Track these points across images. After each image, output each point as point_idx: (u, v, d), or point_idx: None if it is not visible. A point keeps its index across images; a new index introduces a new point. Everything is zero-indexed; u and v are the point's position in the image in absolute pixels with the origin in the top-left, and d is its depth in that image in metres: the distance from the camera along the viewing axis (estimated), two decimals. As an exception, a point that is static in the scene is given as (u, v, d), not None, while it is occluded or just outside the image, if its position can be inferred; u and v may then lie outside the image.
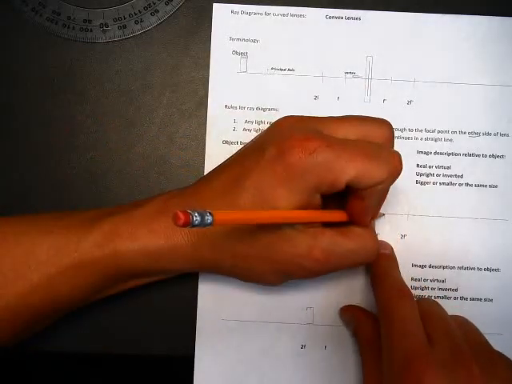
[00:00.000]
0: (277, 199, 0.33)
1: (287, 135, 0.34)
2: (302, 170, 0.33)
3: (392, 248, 0.41)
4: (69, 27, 0.42)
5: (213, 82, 0.42)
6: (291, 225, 0.34)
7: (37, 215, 0.37)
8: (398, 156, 0.35)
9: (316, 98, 0.42)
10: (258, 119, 0.42)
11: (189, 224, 0.26)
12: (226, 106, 0.42)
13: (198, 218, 0.26)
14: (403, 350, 0.33)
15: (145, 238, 0.35)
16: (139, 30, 0.42)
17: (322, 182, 0.33)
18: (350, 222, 0.37)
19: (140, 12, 0.42)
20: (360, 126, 0.35)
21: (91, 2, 0.42)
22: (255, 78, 0.42)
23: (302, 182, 0.33)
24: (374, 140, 0.35)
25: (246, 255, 0.35)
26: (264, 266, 0.35)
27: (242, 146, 0.38)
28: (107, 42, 0.42)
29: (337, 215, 0.37)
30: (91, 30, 0.42)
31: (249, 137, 0.42)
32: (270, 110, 0.42)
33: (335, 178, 0.33)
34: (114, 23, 0.42)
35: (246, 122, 0.42)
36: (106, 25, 0.42)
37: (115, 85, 0.42)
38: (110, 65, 0.42)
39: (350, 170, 0.33)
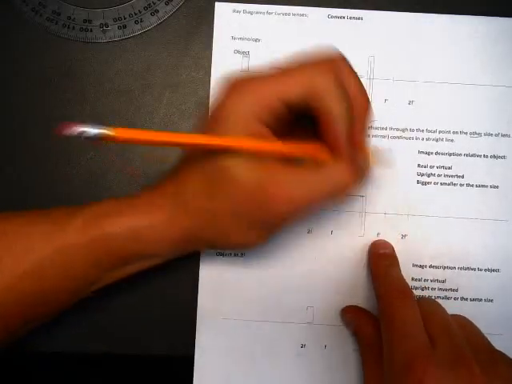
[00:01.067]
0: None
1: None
2: (231, 106, 0.34)
3: (393, 247, 0.41)
4: (69, 27, 0.41)
5: (214, 81, 0.42)
6: (237, 161, 0.33)
7: (22, 211, 0.37)
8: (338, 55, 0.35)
9: (317, 97, 0.42)
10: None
11: (74, 131, 0.25)
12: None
13: (86, 129, 0.26)
14: (404, 351, 0.33)
15: (128, 215, 0.35)
16: (139, 30, 0.42)
17: (257, 109, 0.33)
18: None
19: (140, 12, 0.42)
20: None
21: (91, 2, 0.42)
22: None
23: (234, 115, 0.33)
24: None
25: (220, 213, 0.35)
26: (233, 221, 0.35)
27: None
28: (107, 42, 0.42)
29: (303, 149, 0.35)
30: (91, 30, 0.42)
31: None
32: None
33: (268, 101, 0.33)
34: (114, 23, 0.42)
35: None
36: (106, 25, 0.42)
37: (115, 85, 0.42)
38: (109, 65, 0.42)
39: (280, 87, 0.33)
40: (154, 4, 0.42)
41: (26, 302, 0.35)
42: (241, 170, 0.33)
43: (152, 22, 0.42)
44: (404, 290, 0.37)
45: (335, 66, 0.34)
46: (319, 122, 0.34)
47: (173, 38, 0.42)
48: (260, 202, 0.34)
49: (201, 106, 0.42)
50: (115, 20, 0.42)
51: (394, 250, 0.41)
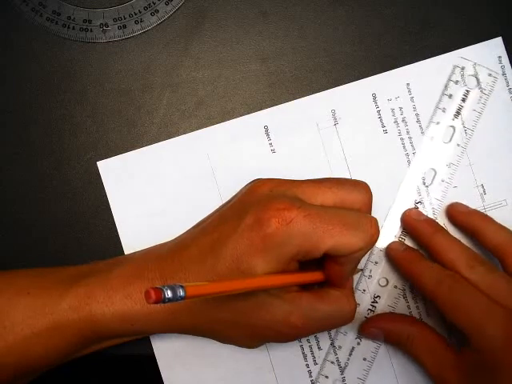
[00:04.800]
0: (253, 268, 0.33)
1: (265, 203, 0.34)
2: (278, 241, 0.33)
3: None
4: (69, 27, 0.41)
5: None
6: (267, 290, 0.34)
7: (15, 273, 0.37)
8: (375, 224, 0.35)
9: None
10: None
11: (160, 301, 0.26)
12: (226, 106, 0.42)
13: (170, 295, 0.26)
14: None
15: (120, 303, 0.35)
16: (139, 30, 0.42)
17: (299, 252, 0.33)
18: (327, 282, 0.37)
19: (140, 12, 0.42)
20: (338, 191, 0.35)
21: (91, 2, 0.42)
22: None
23: (278, 251, 0.33)
24: (352, 205, 0.35)
25: (223, 321, 0.35)
26: (240, 330, 0.36)
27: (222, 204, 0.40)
28: (107, 42, 0.42)
29: (313, 276, 0.36)
30: (91, 30, 0.42)
31: (249, 137, 0.42)
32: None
33: (312, 247, 0.33)
34: (114, 23, 0.42)
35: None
36: (106, 25, 0.42)
37: (115, 85, 0.42)
38: (109, 65, 0.42)
39: (327, 240, 0.33)
40: (154, 4, 0.42)
41: (12, 370, 0.35)
42: (272, 301, 0.34)
43: (152, 21, 0.42)
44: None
45: (375, 233, 0.35)
46: (330, 260, 0.35)
47: (173, 37, 0.42)
48: (280, 330, 0.35)
49: (201, 105, 0.42)
50: (115, 20, 0.42)
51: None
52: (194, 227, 0.39)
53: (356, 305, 0.37)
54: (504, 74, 0.42)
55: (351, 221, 0.34)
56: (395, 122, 0.42)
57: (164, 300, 0.26)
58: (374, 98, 0.42)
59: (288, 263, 0.34)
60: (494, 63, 0.42)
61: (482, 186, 0.42)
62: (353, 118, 0.42)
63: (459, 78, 0.42)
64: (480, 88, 0.42)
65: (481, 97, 0.42)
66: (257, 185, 0.36)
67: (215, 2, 0.42)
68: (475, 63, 0.42)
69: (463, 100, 0.42)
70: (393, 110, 0.42)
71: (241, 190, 0.38)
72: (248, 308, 0.34)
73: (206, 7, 0.42)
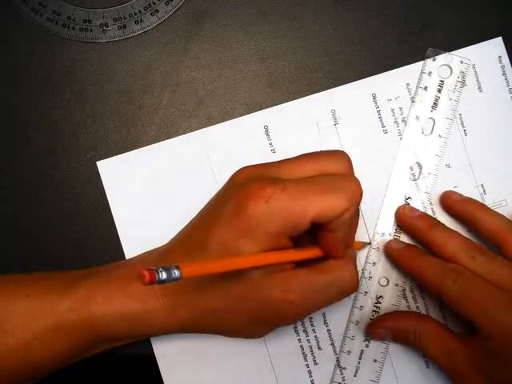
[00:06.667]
0: (241, 250, 0.33)
1: (243, 188, 0.34)
2: (261, 219, 0.33)
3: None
4: (69, 27, 0.41)
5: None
6: (260, 270, 0.34)
7: (14, 276, 0.37)
8: (355, 182, 0.34)
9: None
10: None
11: (155, 281, 0.26)
12: (226, 106, 0.42)
13: (164, 274, 0.26)
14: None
15: (120, 303, 0.35)
16: (139, 30, 0.42)
17: (285, 226, 0.33)
18: (326, 257, 0.36)
19: (140, 12, 0.42)
20: (315, 162, 0.35)
21: (91, 2, 0.42)
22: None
23: (263, 230, 0.33)
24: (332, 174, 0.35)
25: (220, 310, 0.35)
26: (239, 317, 0.36)
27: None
28: (107, 42, 0.42)
29: (310, 252, 0.36)
30: (91, 30, 0.42)
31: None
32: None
33: (297, 219, 0.33)
34: (114, 23, 0.42)
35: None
36: (106, 25, 0.42)
37: (115, 85, 0.42)
38: (109, 65, 0.42)
39: (309, 208, 0.33)
40: (154, 4, 0.42)
41: (15, 374, 0.35)
42: (267, 281, 0.34)
43: (152, 22, 0.42)
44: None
45: (356, 186, 0.34)
46: (321, 229, 0.35)
47: (173, 37, 0.42)
48: (279, 310, 0.35)
49: (201, 105, 0.42)
50: (115, 20, 0.42)
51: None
52: (188, 224, 0.39)
53: (357, 272, 0.36)
54: (504, 73, 0.42)
55: (330, 184, 0.34)
56: (395, 121, 0.42)
57: (159, 279, 0.26)
58: (374, 98, 0.42)
59: (277, 240, 0.34)
60: (493, 63, 0.42)
61: (482, 186, 0.42)
62: (353, 118, 0.42)
63: (432, 69, 0.42)
64: (454, 76, 0.42)
65: (455, 85, 0.42)
66: (236, 174, 0.37)
67: (215, 2, 0.42)
68: (446, 52, 0.42)
69: (439, 91, 0.42)
70: (393, 110, 0.42)
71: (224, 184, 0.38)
72: (242, 291, 0.34)
73: (206, 7, 0.42)
